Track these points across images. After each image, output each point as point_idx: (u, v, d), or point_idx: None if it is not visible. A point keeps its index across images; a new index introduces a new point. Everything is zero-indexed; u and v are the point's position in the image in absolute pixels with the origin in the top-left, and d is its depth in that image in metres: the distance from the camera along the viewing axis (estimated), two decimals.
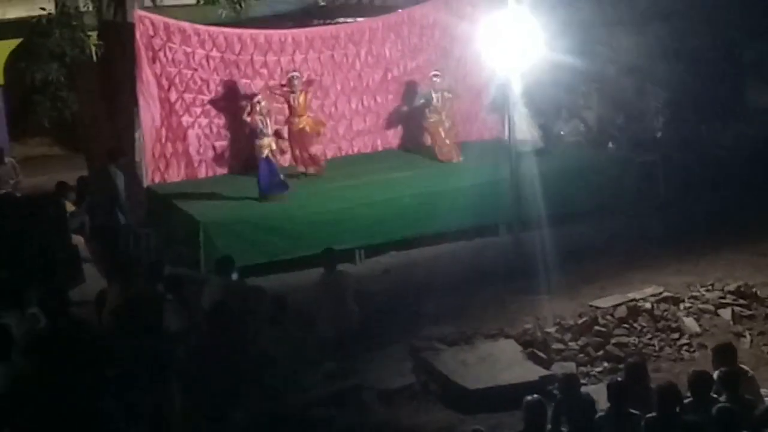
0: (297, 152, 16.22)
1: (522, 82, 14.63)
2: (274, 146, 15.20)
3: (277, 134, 15.71)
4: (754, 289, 12.80)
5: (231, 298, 10.83)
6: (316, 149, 16.32)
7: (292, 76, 16.05)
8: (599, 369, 11.42)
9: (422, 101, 17.33)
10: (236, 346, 9.49)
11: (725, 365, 8.66)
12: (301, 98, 15.95)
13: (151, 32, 15.74)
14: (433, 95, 16.97)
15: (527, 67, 14.12)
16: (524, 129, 16.05)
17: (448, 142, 16.97)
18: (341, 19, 21.19)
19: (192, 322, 10.19)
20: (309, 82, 16.50)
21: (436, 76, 17.05)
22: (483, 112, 18.27)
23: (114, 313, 9.68)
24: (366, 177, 16.11)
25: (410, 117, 17.98)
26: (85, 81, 16.28)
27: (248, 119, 15.38)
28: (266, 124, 15.13)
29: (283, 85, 16.15)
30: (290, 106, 15.99)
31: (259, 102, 15.26)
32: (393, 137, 18.21)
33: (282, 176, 15.18)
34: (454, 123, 17.22)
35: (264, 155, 14.97)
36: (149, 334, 9.02)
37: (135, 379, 8.56)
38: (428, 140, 17.35)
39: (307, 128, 16.03)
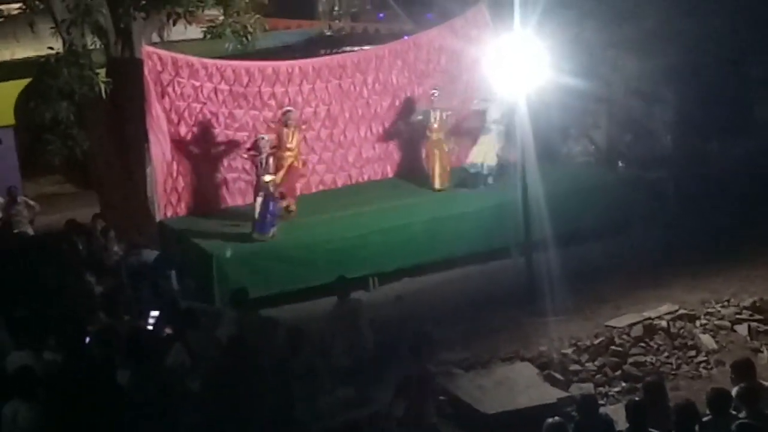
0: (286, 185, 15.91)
1: (529, 103, 14.65)
2: (276, 182, 15.09)
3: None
4: None
5: (246, 330, 10.85)
6: (295, 187, 16.26)
7: (288, 110, 15.92)
8: (617, 389, 11.41)
9: (419, 118, 17.28)
10: (252, 377, 9.49)
11: (744, 381, 8.62)
12: (294, 136, 15.77)
13: (159, 67, 15.83)
14: (431, 113, 16.96)
15: (534, 88, 14.14)
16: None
17: (442, 167, 16.94)
18: (347, 48, 21.36)
19: (207, 356, 10.19)
20: (304, 121, 16.48)
21: (435, 94, 17.08)
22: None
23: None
24: (377, 204, 16.14)
25: (417, 141, 18.02)
26: (94, 118, 16.41)
27: (250, 156, 15.30)
28: (266, 161, 14.97)
29: (279, 119, 15.96)
30: (280, 140, 15.65)
31: (261, 139, 15.13)
32: (402, 163, 18.25)
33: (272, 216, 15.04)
34: (450, 148, 17.23)
35: (270, 192, 14.82)
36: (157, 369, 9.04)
37: (152, 413, 8.57)
38: (425, 163, 17.29)
39: (295, 163, 15.88)
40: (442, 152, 16.98)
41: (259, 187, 14.93)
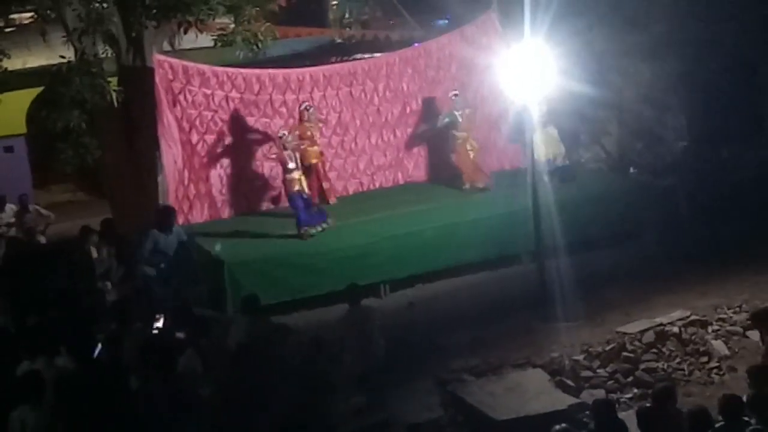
0: (314, 184, 16.11)
1: (540, 110, 14.66)
2: (303, 181, 15.13)
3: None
4: None
5: (257, 338, 10.86)
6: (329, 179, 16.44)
7: (308, 106, 16.07)
8: (629, 395, 11.39)
9: (446, 120, 17.21)
10: (263, 384, 9.50)
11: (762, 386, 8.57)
12: (315, 132, 15.99)
13: (170, 76, 15.87)
14: (457, 114, 16.98)
15: (545, 95, 14.14)
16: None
17: (474, 163, 17.05)
18: (358, 56, 21.38)
19: (219, 363, 10.20)
20: (320, 120, 16.58)
21: (455, 95, 17.10)
22: (501, 141, 18.27)
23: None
24: (388, 211, 16.14)
25: (431, 147, 18.03)
26: (106, 127, 16.42)
27: (275, 155, 15.35)
28: (293, 158, 15.01)
29: (300, 119, 16.14)
30: (303, 137, 15.85)
31: (283, 136, 15.17)
32: (414, 171, 18.27)
33: (317, 206, 15.32)
34: (479, 145, 17.30)
35: (295, 189, 14.90)
36: (169, 376, 9.05)
37: (163, 420, 8.58)
38: (456, 162, 17.28)
39: (317, 161, 16.13)
40: (474, 150, 17.06)
41: (286, 185, 15.02)
